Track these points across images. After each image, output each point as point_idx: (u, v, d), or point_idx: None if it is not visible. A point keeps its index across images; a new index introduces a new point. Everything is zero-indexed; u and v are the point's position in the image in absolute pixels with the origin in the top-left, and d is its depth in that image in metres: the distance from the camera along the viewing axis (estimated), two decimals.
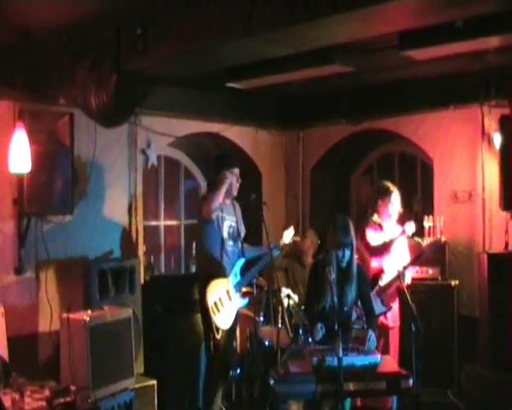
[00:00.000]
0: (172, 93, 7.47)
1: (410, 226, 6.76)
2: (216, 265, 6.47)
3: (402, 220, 7.00)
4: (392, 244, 6.81)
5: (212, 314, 6.33)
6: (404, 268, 6.58)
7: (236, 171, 6.61)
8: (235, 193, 6.67)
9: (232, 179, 6.55)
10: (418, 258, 6.80)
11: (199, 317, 6.59)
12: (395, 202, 6.98)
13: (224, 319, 6.41)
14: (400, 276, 6.31)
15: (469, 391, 6.25)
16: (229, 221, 6.61)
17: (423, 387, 5.76)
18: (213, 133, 8.27)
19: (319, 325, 5.65)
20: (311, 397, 5.13)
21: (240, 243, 6.70)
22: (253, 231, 7.50)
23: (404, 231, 6.78)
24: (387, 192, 6.98)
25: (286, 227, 7.19)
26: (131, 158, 7.32)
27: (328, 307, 5.72)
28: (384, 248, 6.82)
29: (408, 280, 6.77)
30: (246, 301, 6.69)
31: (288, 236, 6.98)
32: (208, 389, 6.56)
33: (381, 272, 6.72)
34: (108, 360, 5.77)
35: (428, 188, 8.19)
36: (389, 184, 7.08)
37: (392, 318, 6.75)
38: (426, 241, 6.97)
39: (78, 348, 5.66)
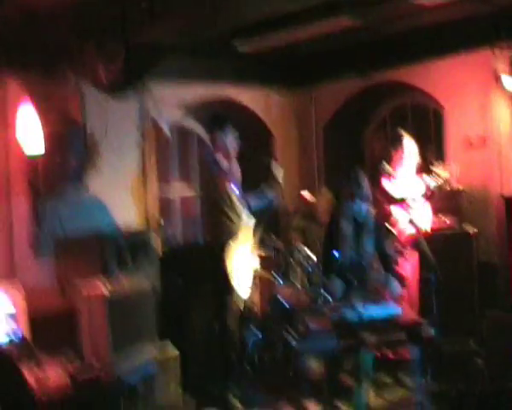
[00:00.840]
0: (181, 60, 7.39)
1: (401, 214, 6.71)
2: (234, 232, 6.41)
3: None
4: (410, 203, 6.73)
5: (232, 282, 6.30)
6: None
7: (230, 130, 6.46)
8: (232, 152, 6.51)
9: (224, 139, 6.43)
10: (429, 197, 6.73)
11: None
12: (408, 150, 6.87)
13: (245, 287, 6.37)
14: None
15: (491, 338, 6.17)
16: (235, 186, 6.49)
17: (445, 337, 5.71)
18: (224, 98, 8.19)
19: (338, 282, 5.62)
20: (331, 353, 5.12)
21: (246, 202, 6.60)
22: None
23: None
24: (398, 138, 6.89)
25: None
26: (143, 129, 7.27)
27: (345, 260, 5.69)
28: (401, 203, 6.75)
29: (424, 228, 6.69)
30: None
31: (278, 173, 6.72)
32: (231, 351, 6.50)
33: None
34: (129, 334, 5.76)
35: (442, 137, 8.08)
36: (401, 131, 7.00)
37: (411, 269, 6.65)
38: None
39: (98, 322, 5.68)
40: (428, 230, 6.77)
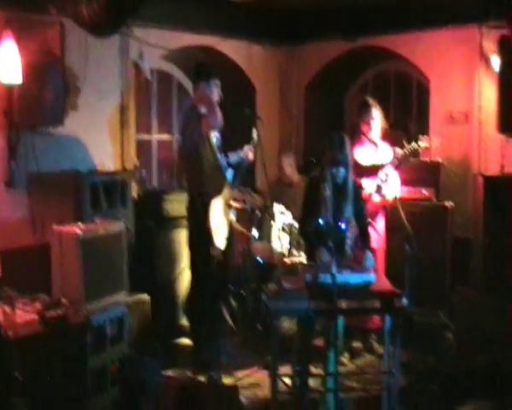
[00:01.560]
0: (166, 4, 7.29)
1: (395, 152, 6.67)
2: (214, 180, 6.37)
3: (395, 141, 6.90)
4: (381, 169, 6.71)
5: (213, 235, 6.28)
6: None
7: (215, 82, 6.42)
8: (214, 102, 6.43)
9: (210, 90, 6.38)
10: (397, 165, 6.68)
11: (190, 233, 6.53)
12: (376, 118, 6.80)
13: (222, 238, 6.38)
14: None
15: (460, 313, 6.29)
16: (214, 132, 6.48)
17: (416, 308, 5.77)
18: (207, 47, 8.09)
19: (323, 249, 5.57)
20: (303, 314, 5.12)
21: (224, 154, 6.61)
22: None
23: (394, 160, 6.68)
24: (367, 107, 6.81)
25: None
26: (123, 70, 7.15)
27: (323, 224, 5.66)
28: (372, 171, 6.72)
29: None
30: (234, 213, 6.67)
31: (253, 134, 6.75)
32: (210, 306, 6.54)
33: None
34: (100, 274, 5.73)
35: (424, 108, 8.10)
36: (368, 99, 6.93)
37: (377, 240, 6.59)
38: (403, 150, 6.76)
39: (70, 261, 5.60)
40: (396, 198, 6.70)
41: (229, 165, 6.60)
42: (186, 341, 6.77)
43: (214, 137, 6.46)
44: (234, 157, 6.72)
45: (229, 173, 6.56)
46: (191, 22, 7.73)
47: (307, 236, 5.85)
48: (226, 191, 6.45)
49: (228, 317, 6.91)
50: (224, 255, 6.48)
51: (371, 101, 6.88)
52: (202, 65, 6.77)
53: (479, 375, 5.45)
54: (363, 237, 5.87)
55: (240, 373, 6.24)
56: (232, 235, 6.64)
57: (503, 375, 5.43)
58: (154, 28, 7.38)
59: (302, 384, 5.55)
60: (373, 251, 6.27)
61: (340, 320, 5.62)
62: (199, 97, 6.38)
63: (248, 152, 6.64)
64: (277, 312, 5.17)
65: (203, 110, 6.26)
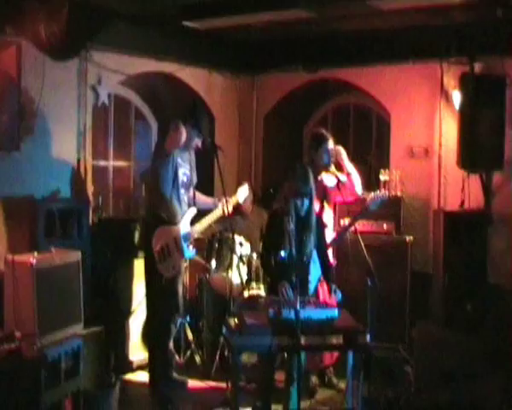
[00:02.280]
0: (126, 30, 7.18)
1: (330, 180, 6.59)
2: (168, 209, 6.27)
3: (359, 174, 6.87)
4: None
5: (157, 260, 6.16)
6: (350, 224, 6.46)
7: (200, 128, 6.36)
8: (192, 148, 6.47)
9: (191, 133, 6.30)
10: (362, 213, 6.55)
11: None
12: (330, 151, 6.58)
13: (168, 266, 6.24)
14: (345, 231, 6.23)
15: (420, 348, 6.26)
16: (184, 168, 6.41)
17: (375, 342, 5.70)
18: (166, 73, 8.01)
19: (286, 284, 5.48)
20: (266, 350, 5.03)
21: (192, 192, 6.52)
22: (206, 176, 7.33)
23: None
24: (322, 139, 6.58)
25: (240, 184, 6.98)
26: (81, 95, 7.02)
27: (286, 258, 5.58)
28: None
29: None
30: (193, 252, 6.51)
31: (242, 194, 6.80)
32: (155, 334, 6.41)
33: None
34: (55, 306, 5.58)
35: (382, 142, 8.12)
36: (323, 131, 6.73)
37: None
38: (370, 195, 6.64)
39: (24, 291, 5.44)
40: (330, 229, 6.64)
41: (194, 203, 6.50)
42: (142, 375, 6.60)
43: (183, 172, 6.36)
44: (202, 202, 6.66)
45: (191, 212, 6.45)
46: (151, 48, 7.64)
47: (269, 269, 5.75)
48: (177, 224, 6.32)
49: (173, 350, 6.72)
50: (172, 285, 6.34)
51: (324, 132, 6.69)
52: (195, 109, 6.66)
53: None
54: (327, 270, 5.80)
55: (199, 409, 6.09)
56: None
57: None
58: (113, 53, 7.28)
59: None
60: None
61: (303, 356, 5.52)
62: (178, 138, 6.24)
63: (222, 206, 6.49)
64: (239, 348, 5.07)
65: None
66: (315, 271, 5.80)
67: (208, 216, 6.50)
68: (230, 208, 6.52)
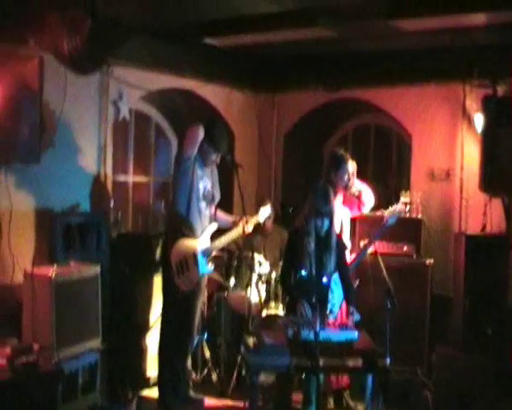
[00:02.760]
0: (147, 45, 7.24)
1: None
2: (187, 223, 6.21)
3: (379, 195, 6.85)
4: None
5: (174, 273, 6.13)
6: (370, 242, 6.42)
7: (220, 154, 6.36)
8: (212, 163, 6.44)
9: (211, 153, 6.29)
10: (381, 229, 6.54)
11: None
12: (350, 172, 6.57)
13: (185, 281, 6.17)
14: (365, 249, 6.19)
15: (439, 372, 6.20)
16: (205, 182, 6.37)
17: (393, 365, 5.64)
18: (186, 90, 8.02)
19: (305, 303, 5.45)
20: (284, 370, 4.99)
21: (213, 208, 6.49)
22: (225, 193, 7.29)
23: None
24: (342, 160, 6.56)
25: (263, 203, 6.94)
26: (102, 109, 7.04)
27: (306, 277, 5.54)
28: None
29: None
30: (211, 268, 6.46)
31: (264, 214, 6.77)
32: (165, 349, 6.34)
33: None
34: (73, 319, 5.58)
35: (403, 163, 8.08)
36: (343, 152, 6.68)
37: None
38: (388, 209, 6.65)
39: (42, 304, 5.44)
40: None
41: (215, 219, 6.47)
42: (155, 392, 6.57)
43: (204, 186, 6.34)
44: (223, 220, 6.63)
45: (212, 227, 6.41)
46: (172, 64, 7.67)
47: (289, 288, 5.72)
48: (196, 239, 6.29)
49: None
50: (190, 301, 6.29)
51: (346, 155, 6.65)
52: (215, 126, 6.51)
53: None
54: (348, 292, 5.75)
55: None
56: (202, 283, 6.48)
57: None
58: (135, 68, 7.30)
59: None
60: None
61: (321, 377, 5.47)
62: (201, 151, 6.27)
63: (243, 225, 6.45)
64: (258, 367, 5.04)
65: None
66: (338, 293, 5.77)
67: (228, 234, 6.44)
68: (251, 228, 6.49)
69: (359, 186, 6.61)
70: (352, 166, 6.59)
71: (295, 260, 5.64)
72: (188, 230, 6.20)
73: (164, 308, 6.34)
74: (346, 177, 6.55)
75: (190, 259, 6.18)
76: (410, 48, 7.45)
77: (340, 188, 6.58)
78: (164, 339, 6.35)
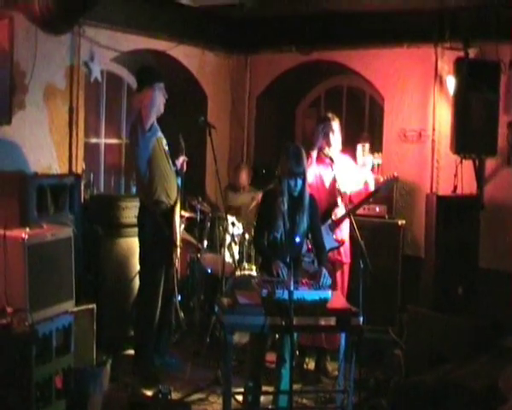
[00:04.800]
0: (119, 5, 7.16)
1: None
2: (169, 189, 6.20)
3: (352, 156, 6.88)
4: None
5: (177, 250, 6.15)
6: (356, 206, 6.47)
7: (161, 85, 6.26)
8: (161, 110, 6.32)
9: (155, 94, 6.20)
10: (373, 194, 6.56)
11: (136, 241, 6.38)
12: (336, 131, 6.58)
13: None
14: (351, 211, 6.22)
15: (410, 331, 6.28)
16: (164, 139, 6.31)
17: (366, 325, 5.71)
18: (159, 51, 7.94)
19: (280, 263, 5.45)
20: (259, 330, 5.02)
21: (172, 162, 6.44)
22: (197, 154, 7.30)
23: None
24: (327, 122, 6.58)
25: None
26: (73, 70, 6.92)
27: (279, 238, 5.56)
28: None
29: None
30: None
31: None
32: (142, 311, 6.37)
33: (335, 205, 6.53)
34: (47, 282, 5.49)
35: (375, 124, 8.10)
36: (329, 115, 6.68)
37: (345, 253, 6.55)
38: (382, 178, 6.77)
39: (15, 267, 5.35)
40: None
41: (177, 172, 6.44)
42: (133, 352, 6.58)
43: (165, 144, 6.30)
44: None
45: (178, 180, 6.40)
46: (144, 25, 7.58)
47: (262, 248, 5.73)
48: (176, 198, 6.28)
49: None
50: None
51: (331, 115, 6.68)
52: (145, 70, 6.60)
53: (428, 392, 5.43)
54: (319, 253, 5.76)
55: (190, 388, 6.04)
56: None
57: (451, 391, 5.44)
58: (107, 29, 7.20)
59: (254, 401, 5.45)
60: (342, 264, 6.25)
61: (294, 337, 5.51)
62: (145, 103, 6.20)
63: (184, 163, 6.48)
64: (232, 327, 5.05)
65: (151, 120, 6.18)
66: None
67: None
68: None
69: (367, 176, 6.64)
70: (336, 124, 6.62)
71: (268, 221, 5.64)
72: (173, 195, 6.20)
73: (146, 274, 6.32)
74: (331, 136, 6.55)
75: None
76: (383, 9, 7.45)
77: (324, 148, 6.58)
78: (143, 298, 6.35)
